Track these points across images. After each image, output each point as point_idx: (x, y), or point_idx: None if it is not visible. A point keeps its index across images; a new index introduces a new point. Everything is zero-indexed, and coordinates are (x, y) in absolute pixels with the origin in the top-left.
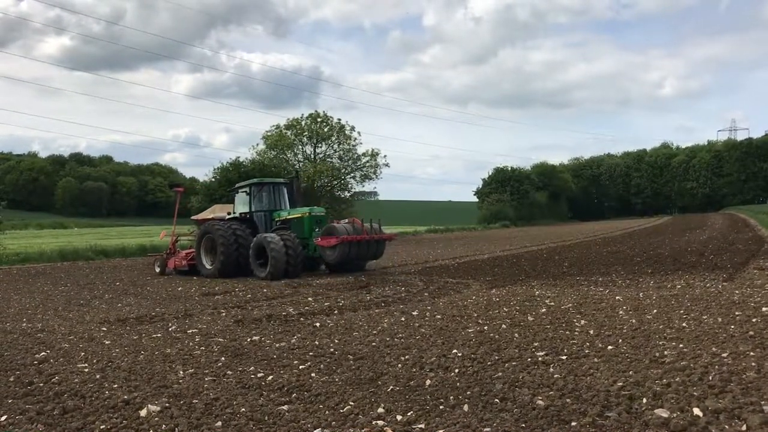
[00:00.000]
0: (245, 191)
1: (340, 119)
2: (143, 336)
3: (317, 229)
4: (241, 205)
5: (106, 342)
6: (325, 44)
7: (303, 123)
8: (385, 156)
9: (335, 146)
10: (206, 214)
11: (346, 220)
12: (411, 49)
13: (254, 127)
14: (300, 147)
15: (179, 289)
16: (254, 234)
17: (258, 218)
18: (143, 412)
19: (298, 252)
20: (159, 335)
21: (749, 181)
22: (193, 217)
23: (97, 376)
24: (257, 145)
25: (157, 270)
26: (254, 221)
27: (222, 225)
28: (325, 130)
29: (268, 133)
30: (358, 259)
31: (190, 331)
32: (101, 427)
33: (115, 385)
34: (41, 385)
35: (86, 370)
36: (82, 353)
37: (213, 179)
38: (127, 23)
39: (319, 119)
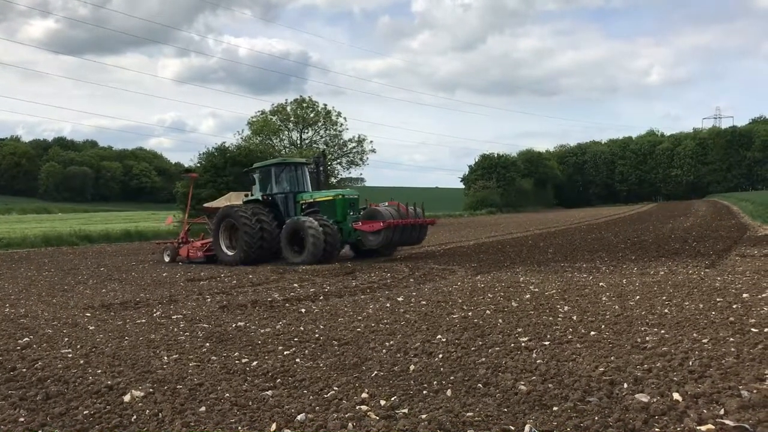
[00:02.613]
0: (266, 172)
1: (326, 105)
2: (127, 321)
3: (351, 213)
4: (261, 187)
5: (90, 327)
6: (314, 29)
7: (288, 108)
8: (371, 142)
9: (321, 132)
10: (221, 202)
11: (386, 204)
12: (399, 35)
13: (241, 113)
14: (286, 133)
15: (164, 274)
16: (277, 218)
17: (281, 201)
18: (127, 398)
19: (336, 236)
20: (143, 321)
21: (733, 169)
22: (205, 205)
23: (81, 362)
24: (242, 130)
25: (167, 259)
26: (276, 204)
27: (244, 209)
28: (311, 115)
29: (254, 119)
30: (401, 244)
31: (175, 316)
32: (84, 412)
33: (99, 371)
34: (24, 370)
35: (70, 355)
36: (66, 339)
37: (198, 164)
38: (113, 7)
39: (304, 104)
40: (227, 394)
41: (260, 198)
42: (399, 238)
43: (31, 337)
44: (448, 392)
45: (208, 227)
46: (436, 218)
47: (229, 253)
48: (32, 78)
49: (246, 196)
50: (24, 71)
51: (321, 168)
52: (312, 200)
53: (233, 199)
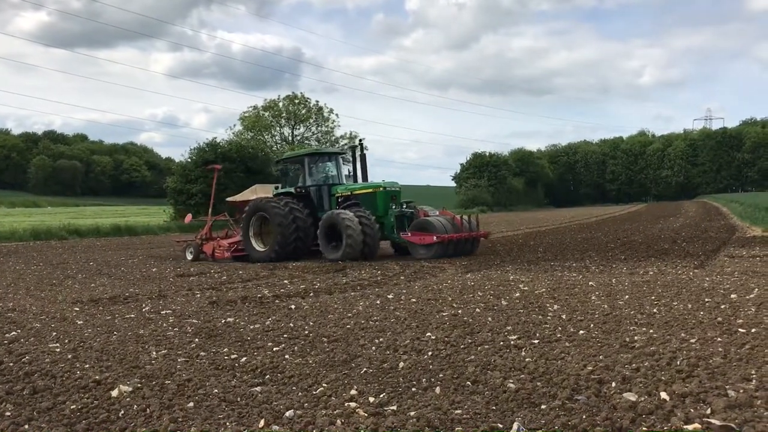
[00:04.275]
0: (298, 163)
1: (318, 101)
2: (116, 316)
3: (393, 206)
4: (293, 179)
5: (79, 322)
6: (308, 26)
7: (281, 104)
8: (363, 138)
9: (313, 128)
10: (247, 195)
11: (437, 213)
12: (393, 33)
13: (233, 108)
14: (278, 128)
15: (153, 269)
16: (311, 211)
17: (314, 193)
18: (115, 393)
19: (375, 233)
20: (132, 316)
21: (722, 170)
22: (228, 199)
23: (69, 356)
24: (234, 126)
25: (189, 257)
26: (310, 197)
27: (277, 202)
28: (303, 111)
29: (246, 114)
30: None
31: (164, 312)
32: (72, 407)
33: (87, 366)
34: (11, 364)
35: (57, 350)
36: (54, 333)
37: (189, 159)
38: (106, 0)
39: (296, 101)
40: (216, 390)
41: (293, 191)
42: (451, 252)
43: (19, 331)
44: (437, 390)
45: (230, 223)
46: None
47: (261, 249)
48: (23, 70)
49: (276, 188)
50: (15, 63)
51: (360, 158)
52: (349, 193)
53: (259, 191)
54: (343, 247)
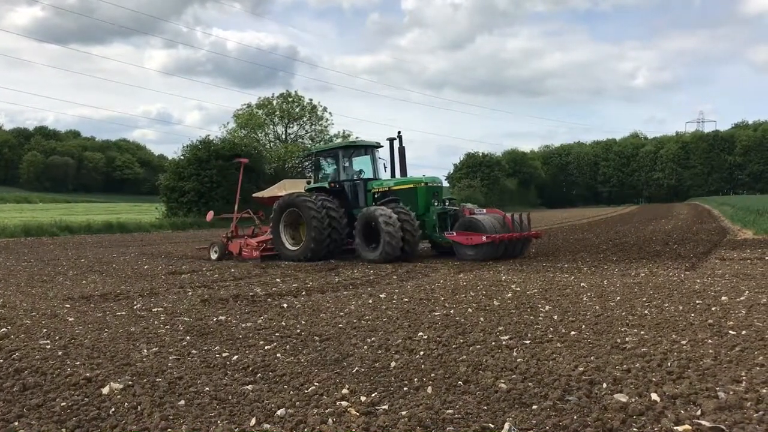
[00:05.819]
0: (332, 157)
1: (311, 99)
2: (107, 313)
3: (435, 203)
4: (326, 173)
5: (70, 319)
6: (303, 25)
7: (274, 102)
8: (357, 137)
9: (307, 127)
10: (275, 191)
11: (484, 211)
12: (389, 33)
13: (227, 106)
14: (271, 127)
15: (145, 267)
16: (345, 208)
17: (349, 189)
18: (105, 390)
19: (416, 231)
20: (123, 313)
21: (714, 173)
22: (255, 195)
23: (59, 353)
24: (228, 123)
25: (214, 257)
26: (344, 192)
27: (309, 197)
28: (297, 110)
29: (239, 112)
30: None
31: (156, 309)
32: (62, 404)
33: (78, 363)
34: (1, 361)
35: (48, 346)
36: (45, 330)
37: (182, 157)
38: None
39: (290, 99)
40: (207, 388)
41: (326, 186)
42: (501, 254)
43: (9, 327)
44: (429, 389)
45: (256, 221)
46: None
47: (293, 248)
48: (16, 66)
49: (308, 183)
50: (8, 59)
51: (398, 151)
52: (387, 189)
53: (288, 187)
54: (381, 247)
